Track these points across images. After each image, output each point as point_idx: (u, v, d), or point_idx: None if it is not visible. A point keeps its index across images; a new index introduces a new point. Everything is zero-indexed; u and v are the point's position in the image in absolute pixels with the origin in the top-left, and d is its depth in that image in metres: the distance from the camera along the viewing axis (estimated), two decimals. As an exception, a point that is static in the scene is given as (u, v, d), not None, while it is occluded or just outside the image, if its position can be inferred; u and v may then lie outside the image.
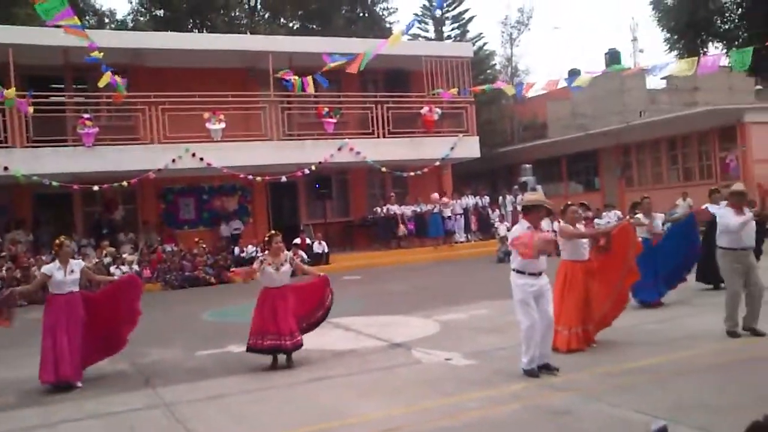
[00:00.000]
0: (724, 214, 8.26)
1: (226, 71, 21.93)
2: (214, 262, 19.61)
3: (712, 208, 8.36)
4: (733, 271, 8.18)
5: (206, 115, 19.86)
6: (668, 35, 32.30)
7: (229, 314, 13.29)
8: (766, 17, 27.98)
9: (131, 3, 34.98)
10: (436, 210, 22.79)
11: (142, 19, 34.51)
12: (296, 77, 16.02)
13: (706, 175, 25.92)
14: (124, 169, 18.84)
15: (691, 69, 11.51)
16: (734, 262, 8.17)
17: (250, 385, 7.48)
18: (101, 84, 14.40)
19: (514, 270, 7.08)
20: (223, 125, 20.07)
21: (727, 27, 31.03)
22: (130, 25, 34.13)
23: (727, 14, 31.38)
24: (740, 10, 30.71)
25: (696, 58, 11.96)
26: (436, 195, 23.10)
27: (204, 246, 19.92)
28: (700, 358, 7.39)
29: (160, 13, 34.14)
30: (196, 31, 32.99)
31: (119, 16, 36.12)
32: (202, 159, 19.75)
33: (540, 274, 7.06)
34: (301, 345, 8.19)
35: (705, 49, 30.34)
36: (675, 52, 30.71)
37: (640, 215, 10.92)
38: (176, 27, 31.43)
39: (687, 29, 30.87)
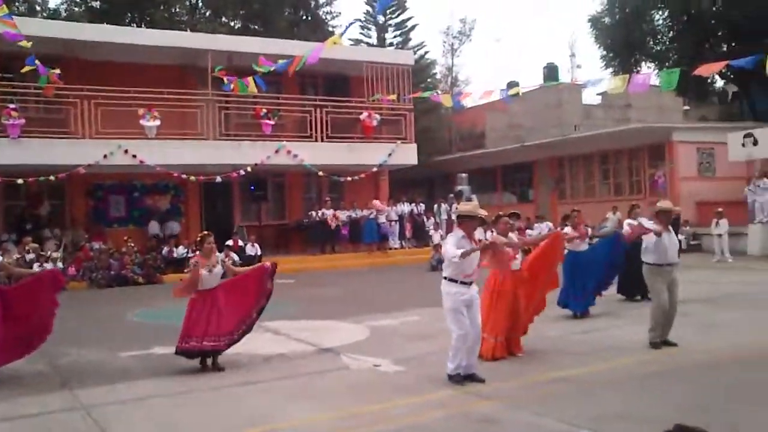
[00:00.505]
0: (648, 224, 8.50)
1: (164, 68, 21.51)
2: (143, 262, 19.17)
3: (646, 222, 8.60)
4: (660, 285, 8.44)
5: (141, 111, 19.42)
6: (604, 53, 33.25)
7: (156, 315, 12.99)
8: (695, 41, 29.06)
9: (65, -8, 34.00)
10: (371, 216, 22.81)
11: (76, 9, 33.46)
12: (236, 78, 15.81)
13: (635, 191, 26.63)
14: (52, 162, 18.23)
15: (623, 86, 11.79)
16: (659, 277, 8.43)
17: (175, 388, 7.31)
18: (24, 71, 13.98)
19: (445, 278, 7.10)
20: (158, 122, 19.66)
21: (659, 48, 32.13)
22: (64, 15, 33.08)
23: (659, 36, 32.51)
24: (671, 33, 31.84)
25: (628, 75, 12.25)
26: (377, 202, 23.13)
27: (133, 245, 19.44)
28: (623, 369, 7.56)
29: (96, 4, 33.24)
30: (135, 25, 32.24)
31: (52, 5, 35.03)
32: (135, 156, 19.31)
33: (471, 283, 7.10)
34: (223, 349, 8.05)
35: (638, 68, 31.37)
36: (610, 69, 31.61)
37: (568, 228, 11.14)
38: (113, 20, 30.55)
39: (622, 48, 31.85)
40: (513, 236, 8.33)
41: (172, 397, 6.97)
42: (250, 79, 15.58)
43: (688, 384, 6.88)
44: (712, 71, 12.17)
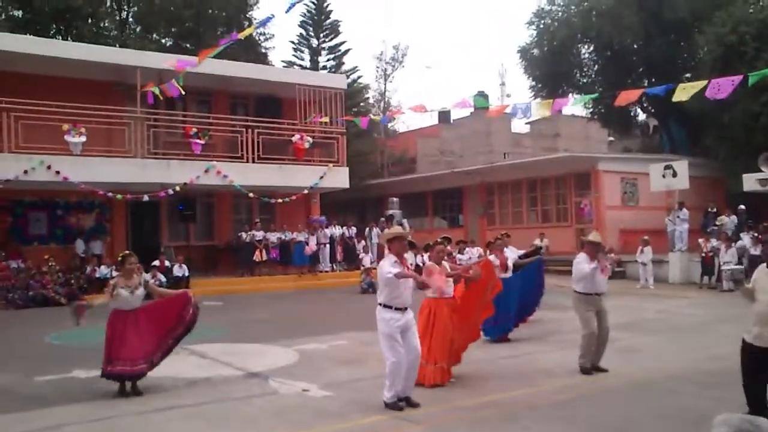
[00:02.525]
0: (579, 261, 8.70)
1: (91, 83, 20.93)
2: (65, 282, 18.49)
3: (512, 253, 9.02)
4: (588, 313, 8.62)
5: (65, 126, 18.83)
6: (533, 83, 34.16)
7: (76, 337, 12.47)
8: (618, 75, 30.20)
9: (-15, 0, 32.78)
10: (301, 238, 22.66)
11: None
12: (155, 89, 15.54)
13: (562, 218, 27.28)
14: (-34, 177, 17.49)
15: (548, 110, 12.27)
16: (588, 305, 8.62)
17: (93, 414, 7.03)
18: None
19: (380, 304, 7.07)
20: (83, 138, 19.10)
21: (585, 80, 33.23)
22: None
23: (585, 69, 33.66)
24: (596, 66, 33.02)
25: (551, 100, 12.81)
26: (320, 218, 23.16)
27: (54, 264, 18.73)
28: (551, 393, 7.67)
29: (18, 14, 32.20)
30: (60, 38, 31.33)
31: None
32: (58, 172, 18.66)
33: (406, 309, 7.10)
34: (146, 372, 7.82)
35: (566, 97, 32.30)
36: (538, 99, 32.40)
37: (492, 256, 11.23)
38: (37, 32, 29.69)
39: (550, 79, 32.81)
40: (446, 264, 8.38)
41: (89, 424, 6.70)
42: (174, 82, 15.24)
43: (611, 407, 7.03)
44: (630, 99, 12.82)
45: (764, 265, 5.96)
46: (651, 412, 6.73)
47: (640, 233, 21.61)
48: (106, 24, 35.25)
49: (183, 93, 15.25)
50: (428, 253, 8.32)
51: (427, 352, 7.77)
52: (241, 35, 12.66)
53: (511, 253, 12.21)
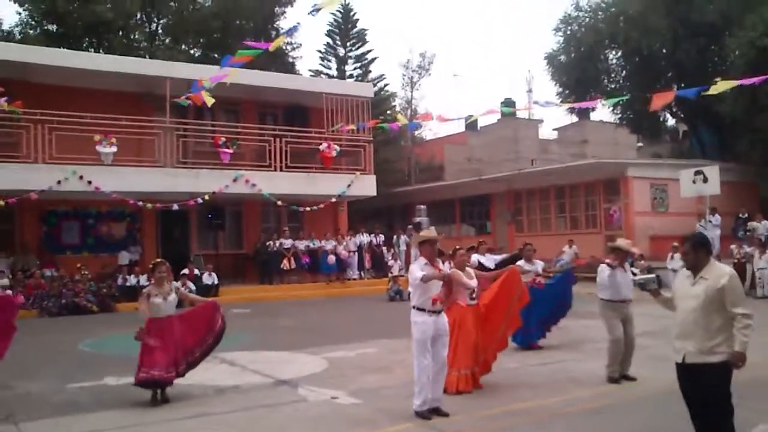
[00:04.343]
0: (603, 268, 8.63)
1: (121, 94, 21.29)
2: (97, 290, 18.74)
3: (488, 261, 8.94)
4: (614, 320, 8.55)
5: (97, 137, 19.12)
6: (560, 89, 33.99)
7: (108, 345, 12.68)
8: (647, 80, 29.94)
9: (20, 14, 33.45)
10: (329, 247, 22.72)
11: (31, 32, 32.97)
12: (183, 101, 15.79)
13: (591, 225, 27.07)
14: (2, 187, 17.80)
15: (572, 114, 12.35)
16: (614, 312, 8.55)
17: (124, 421, 7.12)
18: None
19: (414, 307, 7.09)
20: (114, 149, 19.37)
21: (613, 86, 32.99)
22: (18, 37, 32.55)
23: (613, 75, 33.42)
24: (624, 72, 32.76)
25: (576, 103, 12.88)
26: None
27: (86, 272, 19.01)
28: (579, 402, 7.60)
29: (53, 28, 32.81)
30: (92, 50, 31.87)
31: (6, 26, 34.41)
32: (90, 182, 18.96)
33: (440, 312, 7.10)
34: (174, 380, 7.90)
35: (593, 107, 32.07)
36: (566, 106, 32.27)
37: (521, 261, 11.17)
38: (70, 45, 30.23)
39: (577, 85, 32.62)
40: (470, 270, 8.36)
41: (122, 430, 6.78)
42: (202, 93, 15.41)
43: (642, 416, 6.95)
44: (665, 102, 12.72)
45: (684, 270, 5.31)
46: (682, 421, 6.62)
47: (671, 240, 21.33)
48: (137, 36, 35.80)
49: (210, 104, 15.40)
50: (452, 260, 8.28)
51: (451, 358, 7.76)
52: (272, 47, 12.74)
53: (487, 261, 12.18)
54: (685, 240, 5.22)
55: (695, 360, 4.99)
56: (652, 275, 5.84)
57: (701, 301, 4.96)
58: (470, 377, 8.06)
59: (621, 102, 12.01)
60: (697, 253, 5.11)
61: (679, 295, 5.23)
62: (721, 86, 10.47)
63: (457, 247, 8.43)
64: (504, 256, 9.30)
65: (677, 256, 19.75)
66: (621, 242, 8.97)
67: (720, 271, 5.02)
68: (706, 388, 4.99)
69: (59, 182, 18.59)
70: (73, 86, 20.37)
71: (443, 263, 7.84)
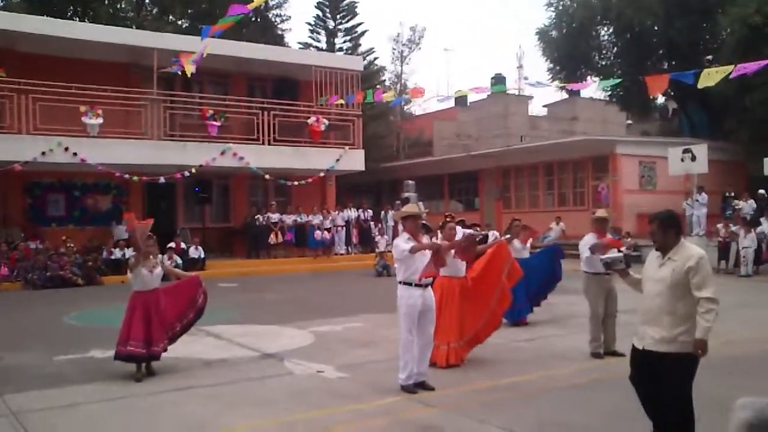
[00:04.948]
0: (587, 240, 8.62)
1: (108, 64, 21.02)
2: (83, 263, 18.63)
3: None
4: (597, 294, 8.56)
5: (83, 108, 18.93)
6: (551, 65, 33.84)
7: (93, 317, 12.64)
8: (638, 57, 29.85)
9: (3, -18, 32.89)
10: (316, 222, 22.67)
11: (14, 0, 32.43)
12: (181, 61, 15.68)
13: (579, 202, 27.12)
14: (-16, 158, 17.62)
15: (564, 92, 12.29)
16: (596, 286, 8.56)
17: (110, 394, 7.09)
18: None
19: (400, 282, 7.08)
20: (100, 120, 19.21)
21: (604, 63, 32.88)
22: (0, 4, 32.04)
23: (604, 51, 33.28)
24: (616, 48, 32.64)
25: (568, 83, 12.77)
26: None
27: (72, 245, 18.87)
28: (565, 377, 7.64)
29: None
30: (77, 19, 31.39)
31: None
32: (75, 154, 18.78)
33: (427, 286, 7.09)
34: (161, 354, 7.88)
35: (584, 81, 31.96)
36: (556, 82, 32.16)
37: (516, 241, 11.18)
38: (54, 13, 29.75)
39: (568, 61, 32.47)
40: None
41: (107, 403, 6.76)
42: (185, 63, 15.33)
43: (628, 391, 6.95)
44: (661, 88, 12.66)
45: (654, 250, 4.97)
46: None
47: (658, 217, 21.42)
48: (123, 5, 35.31)
49: (190, 73, 15.33)
50: (440, 232, 8.25)
51: (440, 332, 7.76)
52: (252, 5, 12.53)
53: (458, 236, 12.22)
54: (652, 218, 4.91)
55: (656, 348, 4.67)
56: (620, 254, 5.49)
57: (667, 284, 4.66)
58: (459, 350, 8.08)
59: (614, 81, 12.00)
60: (665, 232, 4.80)
61: (647, 277, 4.92)
62: (713, 76, 10.41)
63: (447, 219, 8.37)
64: (470, 231, 9.16)
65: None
66: (603, 212, 9.00)
67: (689, 252, 4.70)
68: (664, 382, 4.67)
69: (44, 153, 18.39)
70: (59, 56, 20.09)
71: (431, 239, 7.82)
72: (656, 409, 4.81)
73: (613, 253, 5.58)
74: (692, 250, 4.75)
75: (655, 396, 4.77)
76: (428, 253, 7.06)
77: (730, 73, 10.32)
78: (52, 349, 9.40)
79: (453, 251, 7.72)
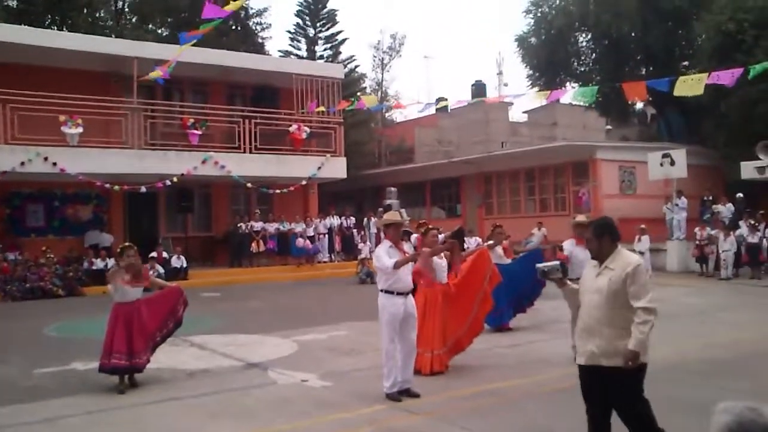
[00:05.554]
0: (567, 246, 8.69)
1: (87, 73, 20.85)
2: (63, 273, 18.44)
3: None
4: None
5: (62, 118, 18.76)
6: (531, 72, 34.08)
7: (75, 329, 12.51)
8: (616, 64, 30.15)
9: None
10: (298, 230, 22.62)
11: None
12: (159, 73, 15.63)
13: (560, 207, 27.26)
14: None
15: (543, 99, 12.39)
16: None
17: (92, 406, 7.03)
18: None
19: (381, 291, 7.08)
20: (80, 129, 19.03)
21: (582, 69, 33.16)
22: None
23: (583, 57, 33.58)
24: (594, 55, 32.95)
25: (548, 91, 12.85)
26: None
27: (52, 256, 18.67)
28: (549, 382, 7.67)
29: (13, 4, 31.99)
30: (55, 28, 31.16)
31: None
32: (55, 164, 18.60)
33: (407, 294, 7.10)
34: (145, 366, 7.83)
35: (563, 88, 32.21)
36: (536, 88, 32.37)
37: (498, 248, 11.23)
38: (32, 22, 29.51)
39: (547, 67, 32.73)
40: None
41: (90, 416, 6.70)
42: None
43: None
44: (639, 95, 12.81)
45: (591, 260, 4.70)
46: (651, 402, 6.72)
47: (638, 222, 21.59)
48: (102, 14, 35.08)
49: (167, 79, 15.33)
50: (421, 238, 8.31)
51: (423, 339, 7.78)
52: (232, 6, 12.48)
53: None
54: (587, 225, 4.62)
55: (598, 362, 4.46)
56: (556, 262, 5.19)
57: (605, 294, 4.41)
58: (443, 357, 8.10)
59: (592, 90, 12.25)
60: (599, 239, 4.51)
61: (584, 289, 4.66)
62: (687, 84, 10.55)
63: (430, 226, 8.42)
64: (445, 233, 9.24)
65: (645, 238, 20.00)
66: (582, 218, 9.09)
67: (626, 260, 4.45)
68: (612, 396, 4.49)
69: (23, 164, 18.21)
70: (37, 65, 19.92)
71: (414, 247, 7.85)
72: (604, 422, 4.62)
73: (550, 262, 5.45)
74: (630, 257, 4.51)
75: (607, 406, 4.58)
76: (410, 264, 7.09)
77: (705, 74, 10.49)
78: (32, 361, 9.29)
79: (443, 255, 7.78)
